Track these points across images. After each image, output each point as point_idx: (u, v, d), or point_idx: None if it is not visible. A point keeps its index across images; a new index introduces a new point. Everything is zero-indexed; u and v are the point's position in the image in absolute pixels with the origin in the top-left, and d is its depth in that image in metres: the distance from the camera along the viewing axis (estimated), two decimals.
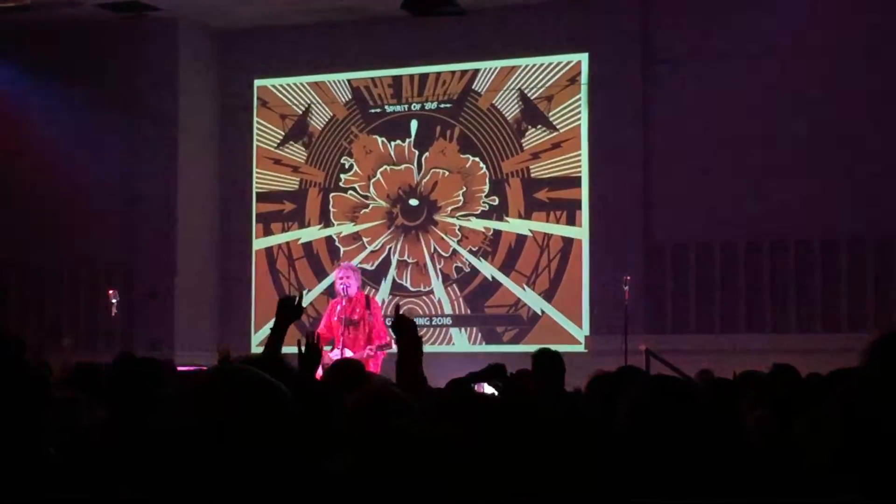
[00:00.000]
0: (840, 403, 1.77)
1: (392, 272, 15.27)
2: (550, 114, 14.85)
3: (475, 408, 4.03)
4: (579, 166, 14.69)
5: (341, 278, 10.83)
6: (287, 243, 15.86)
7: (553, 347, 7.42)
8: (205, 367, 9.32)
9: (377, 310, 11.08)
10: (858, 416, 1.73)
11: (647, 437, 3.39)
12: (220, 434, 1.77)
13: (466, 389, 5.06)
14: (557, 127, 14.81)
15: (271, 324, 5.44)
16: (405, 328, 5.39)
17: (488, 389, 5.45)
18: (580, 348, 14.02)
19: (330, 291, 15.03)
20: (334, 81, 15.75)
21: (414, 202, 15.33)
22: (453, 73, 15.26)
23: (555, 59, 14.82)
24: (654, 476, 3.15)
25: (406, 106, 15.47)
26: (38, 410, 3.41)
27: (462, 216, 15.14)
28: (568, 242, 14.69)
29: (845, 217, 13.25)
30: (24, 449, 3.29)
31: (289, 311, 5.48)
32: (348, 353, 10.05)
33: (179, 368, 7.64)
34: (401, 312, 5.62)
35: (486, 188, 15.06)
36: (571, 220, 14.69)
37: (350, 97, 15.69)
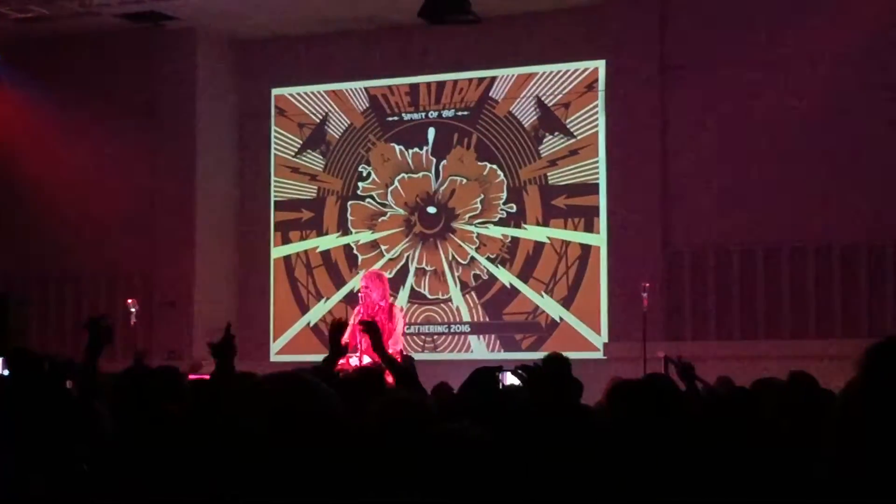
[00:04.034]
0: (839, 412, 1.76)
1: (410, 280, 15.28)
2: (568, 121, 14.84)
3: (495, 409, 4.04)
4: (597, 173, 14.67)
5: (364, 287, 11.12)
6: (305, 252, 15.88)
7: (572, 354, 7.39)
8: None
9: (397, 320, 11.25)
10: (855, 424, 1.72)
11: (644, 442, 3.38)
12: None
13: (492, 381, 5.08)
14: (575, 134, 14.81)
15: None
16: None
17: (511, 379, 5.46)
18: (599, 355, 14.00)
19: (348, 299, 15.07)
20: (351, 90, 15.77)
21: (432, 210, 15.34)
22: (470, 80, 15.27)
23: (572, 65, 14.82)
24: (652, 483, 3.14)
25: (423, 114, 15.48)
26: (69, 429, 3.41)
27: (480, 223, 15.14)
28: (586, 249, 14.67)
29: (865, 223, 13.19)
30: (58, 467, 3.29)
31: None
32: (366, 360, 10.12)
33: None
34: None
35: (504, 195, 15.05)
36: (589, 227, 14.68)
37: (367, 105, 15.71)
